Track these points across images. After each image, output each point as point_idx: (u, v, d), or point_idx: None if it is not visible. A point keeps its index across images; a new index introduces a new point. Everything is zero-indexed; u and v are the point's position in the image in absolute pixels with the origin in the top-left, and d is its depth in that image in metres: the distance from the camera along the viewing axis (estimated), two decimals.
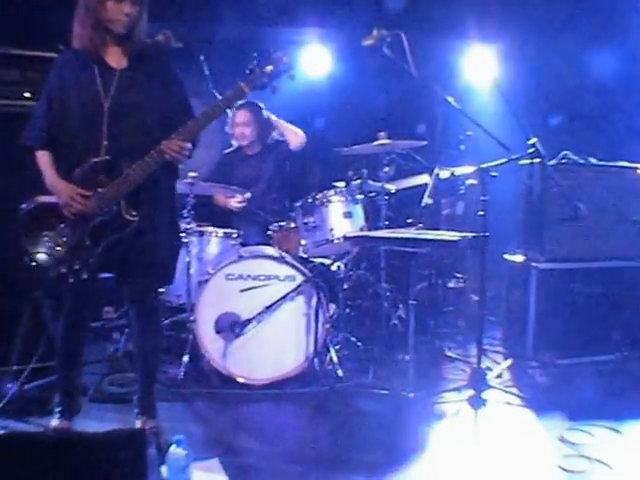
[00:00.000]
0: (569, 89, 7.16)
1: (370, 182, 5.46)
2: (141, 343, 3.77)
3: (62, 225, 3.42)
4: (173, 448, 3.10)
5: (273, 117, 5.48)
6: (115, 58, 3.49)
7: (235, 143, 5.70)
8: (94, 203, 3.37)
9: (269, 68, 3.47)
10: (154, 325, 3.78)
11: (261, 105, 5.63)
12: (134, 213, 3.41)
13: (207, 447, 3.75)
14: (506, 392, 4.64)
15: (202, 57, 5.59)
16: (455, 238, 4.09)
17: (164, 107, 3.50)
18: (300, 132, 5.56)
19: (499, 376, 4.91)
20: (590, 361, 5.22)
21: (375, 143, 5.19)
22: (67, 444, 2.77)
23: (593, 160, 5.37)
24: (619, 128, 6.99)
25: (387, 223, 5.30)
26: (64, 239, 3.40)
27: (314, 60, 7.31)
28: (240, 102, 5.63)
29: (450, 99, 4.56)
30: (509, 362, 5.11)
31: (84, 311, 3.67)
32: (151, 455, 3.29)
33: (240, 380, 4.66)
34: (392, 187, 5.57)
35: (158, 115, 3.47)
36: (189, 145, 3.46)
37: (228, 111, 5.63)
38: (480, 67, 7.43)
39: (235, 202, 5.55)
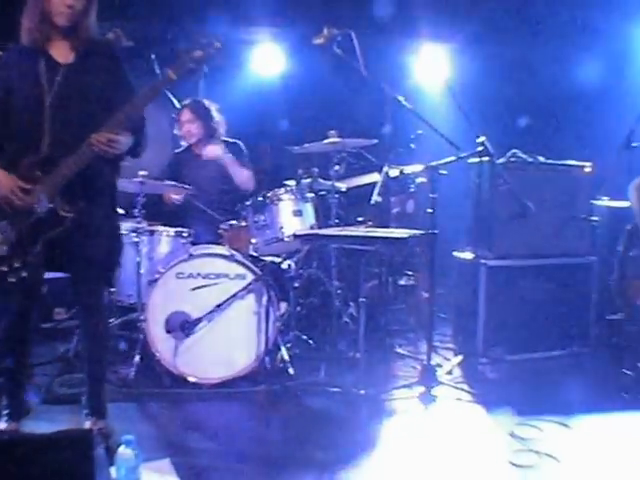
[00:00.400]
0: (520, 89, 7.27)
1: (320, 180, 5.47)
2: (88, 343, 3.72)
3: (4, 222, 3.36)
4: (122, 449, 3.06)
5: (227, 157, 5.42)
6: (61, 53, 3.44)
7: (184, 143, 5.66)
8: (33, 198, 3.33)
9: (198, 54, 3.41)
10: (100, 325, 3.72)
11: (206, 103, 5.59)
12: (67, 209, 3.36)
13: (158, 447, 3.71)
14: (456, 388, 4.68)
15: (153, 56, 5.55)
16: (403, 235, 4.12)
17: (110, 104, 3.45)
18: (250, 178, 5.54)
19: (449, 372, 4.95)
20: (539, 357, 5.31)
21: (325, 141, 5.20)
22: (13, 446, 2.73)
23: (541, 159, 5.44)
24: (568, 127, 7.11)
25: (337, 221, 5.31)
26: (3, 235, 3.35)
27: (266, 59, 7.31)
28: (185, 101, 5.65)
29: (400, 98, 4.59)
30: (459, 358, 5.15)
31: (30, 311, 3.60)
32: (100, 456, 3.25)
33: (191, 379, 4.63)
34: (342, 185, 5.58)
35: (103, 111, 3.42)
36: (122, 138, 3.40)
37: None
38: (432, 66, 7.50)
39: (175, 195, 5.50)
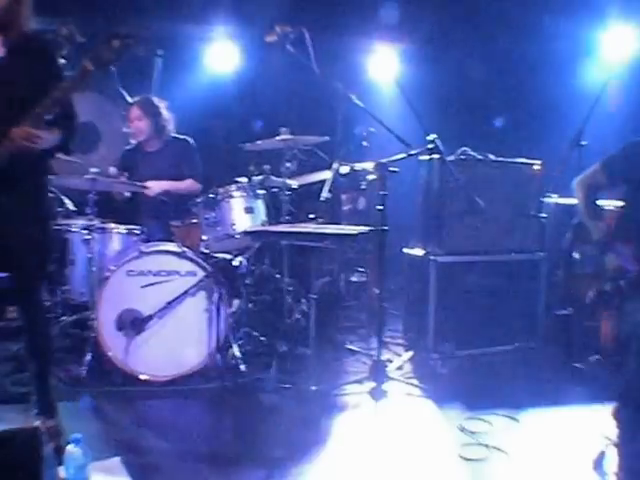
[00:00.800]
0: (470, 89, 7.35)
1: (272, 177, 5.47)
2: (28, 341, 3.67)
3: None
4: (70, 447, 3.04)
5: (166, 185, 5.40)
6: None
7: (134, 141, 5.63)
8: None
9: (116, 44, 3.36)
10: (39, 322, 3.68)
11: (155, 100, 5.57)
12: None
13: (109, 446, 3.69)
14: (407, 383, 4.74)
15: None
16: (353, 232, 4.14)
17: (40, 99, 3.39)
18: (194, 185, 5.53)
19: (400, 368, 5.00)
20: (489, 352, 5.37)
21: (277, 138, 5.21)
22: None
23: (491, 156, 5.51)
24: (519, 126, 7.21)
25: (289, 218, 5.32)
26: None
27: (221, 56, 7.30)
28: (134, 99, 5.62)
29: (352, 96, 4.62)
30: (410, 354, 5.20)
31: None
32: (48, 455, 3.22)
33: (142, 377, 4.62)
34: (294, 182, 5.59)
35: (33, 107, 3.37)
36: (45, 134, 3.35)
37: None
38: (385, 66, 7.56)
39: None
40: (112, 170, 5.45)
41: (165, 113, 5.53)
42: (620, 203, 3.67)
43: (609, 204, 3.93)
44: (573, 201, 4.00)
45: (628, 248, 3.35)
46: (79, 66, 3.36)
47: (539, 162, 5.59)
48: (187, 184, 5.48)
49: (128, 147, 5.68)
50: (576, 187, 3.67)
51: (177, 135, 5.59)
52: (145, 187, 5.19)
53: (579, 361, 4.90)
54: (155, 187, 5.35)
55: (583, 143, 5.52)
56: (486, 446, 3.76)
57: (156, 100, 5.58)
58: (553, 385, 4.83)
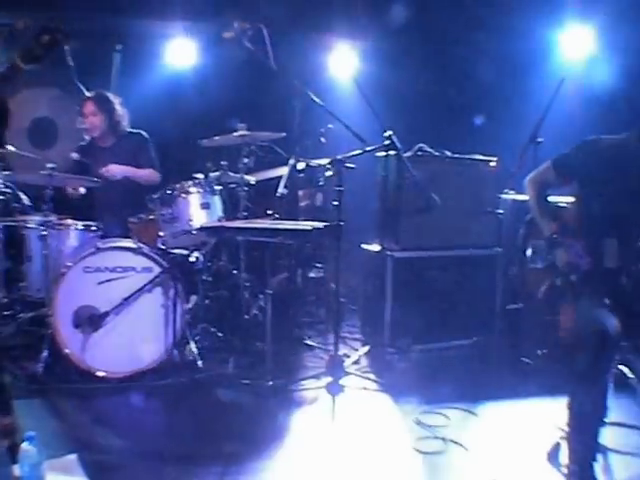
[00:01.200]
0: (429, 86, 7.40)
1: (229, 173, 5.48)
2: None
3: None
4: (25, 445, 3.02)
5: (125, 170, 5.36)
6: None
7: (88, 137, 5.60)
8: None
9: (45, 39, 3.31)
10: None
11: (110, 95, 5.54)
12: None
13: (65, 443, 3.67)
14: (364, 378, 4.77)
15: (66, 47, 5.45)
16: (307, 227, 4.15)
17: None
18: (153, 174, 5.52)
19: (357, 362, 5.04)
20: (445, 346, 5.43)
21: (234, 134, 5.21)
22: None
23: (448, 153, 5.56)
24: (475, 123, 7.26)
25: (246, 214, 5.33)
26: None
27: (179, 52, 7.28)
28: (88, 94, 5.56)
29: (309, 92, 4.62)
30: (366, 349, 5.23)
31: None
32: (2, 453, 3.20)
33: (99, 374, 4.60)
34: (251, 178, 5.60)
35: None
36: None
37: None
38: (344, 63, 7.58)
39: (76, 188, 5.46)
40: (74, 155, 5.43)
41: (119, 109, 5.51)
42: (570, 200, 3.73)
43: (560, 201, 3.98)
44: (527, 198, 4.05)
45: (577, 244, 3.40)
46: (8, 62, 3.33)
47: (495, 159, 5.65)
48: (147, 172, 5.47)
49: (82, 143, 5.64)
50: (528, 185, 3.72)
51: (132, 130, 5.57)
52: (103, 177, 5.16)
53: (528, 355, 4.98)
54: (115, 169, 5.32)
55: (539, 140, 5.58)
56: (442, 439, 3.82)
57: (111, 96, 5.55)
58: (508, 379, 4.90)
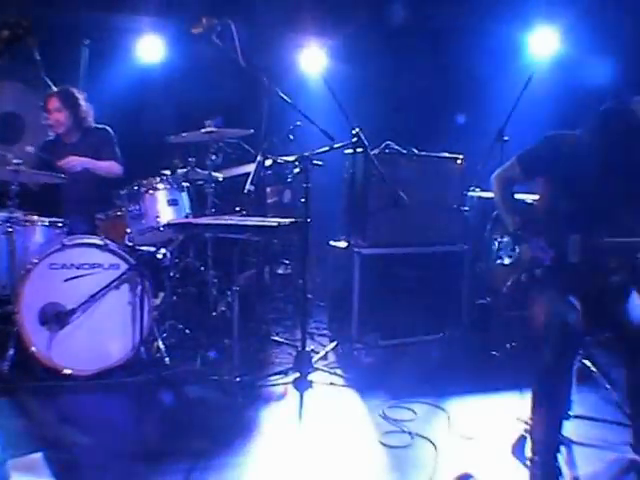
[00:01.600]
0: (396, 84, 7.44)
1: (197, 170, 5.47)
2: None
3: None
4: None
5: (85, 162, 5.31)
6: None
7: (52, 133, 5.55)
8: None
9: (4, 34, 3.29)
10: None
11: (74, 91, 5.50)
12: None
13: (31, 442, 3.64)
14: (331, 373, 4.80)
15: (31, 42, 5.39)
16: (273, 224, 4.16)
17: None
18: (114, 166, 5.46)
19: (324, 358, 5.06)
20: (413, 341, 5.46)
21: (202, 131, 5.20)
22: None
23: (415, 150, 5.59)
24: (444, 122, 7.32)
25: (214, 211, 5.33)
26: None
27: (148, 48, 7.24)
28: (52, 90, 5.52)
29: (278, 90, 4.64)
30: (334, 344, 5.26)
31: None
32: None
33: (66, 372, 4.58)
34: (219, 175, 5.60)
35: None
36: None
37: None
38: (313, 61, 7.60)
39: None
40: (29, 148, 5.39)
41: (84, 104, 5.47)
42: (535, 197, 3.77)
43: (525, 198, 4.03)
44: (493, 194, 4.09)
45: (541, 240, 3.44)
46: None
47: (461, 156, 5.69)
48: (108, 164, 5.39)
49: (47, 139, 5.59)
50: (493, 181, 3.75)
51: (97, 125, 5.54)
52: (64, 169, 5.12)
53: (497, 349, 5.03)
54: (74, 161, 5.26)
55: (505, 138, 5.64)
56: (409, 433, 3.85)
57: (75, 91, 5.50)
58: (475, 373, 4.94)
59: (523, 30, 7.22)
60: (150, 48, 7.26)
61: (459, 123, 7.31)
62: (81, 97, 5.48)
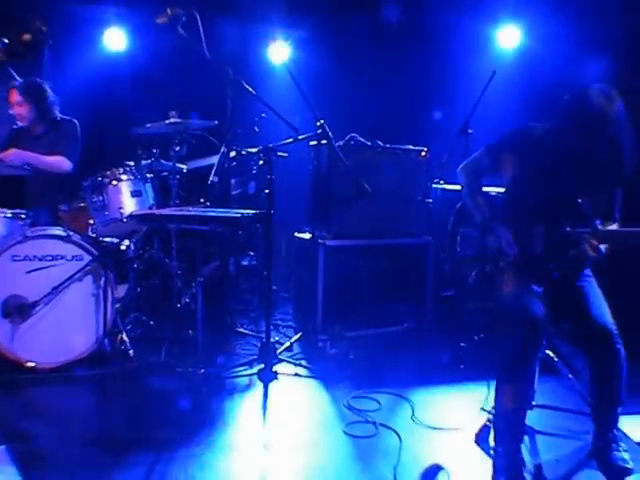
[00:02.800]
0: (362, 76, 7.46)
1: (161, 161, 5.44)
2: None
3: None
4: None
5: (25, 157, 5.21)
6: None
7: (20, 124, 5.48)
8: None
9: (26, 37, 3.27)
10: None
11: (37, 83, 5.40)
12: None
13: None
14: (296, 364, 4.82)
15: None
16: (236, 215, 4.15)
17: None
18: (62, 162, 5.34)
19: (289, 349, 5.07)
20: (377, 333, 5.48)
21: (166, 122, 5.17)
22: None
23: (380, 142, 5.60)
24: (409, 114, 7.35)
25: (178, 202, 5.31)
26: None
27: (112, 38, 7.17)
28: (13, 82, 5.41)
29: (242, 81, 4.63)
30: (298, 336, 5.27)
31: None
32: None
33: (29, 364, 4.55)
34: (183, 166, 5.58)
35: None
36: None
37: None
38: (280, 52, 7.59)
39: None
40: None
41: (50, 95, 5.38)
42: (502, 189, 3.81)
43: (492, 191, 4.07)
44: (458, 187, 4.11)
45: (509, 232, 3.47)
46: None
47: (425, 149, 5.72)
48: (54, 159, 5.26)
49: (16, 126, 5.50)
50: (461, 172, 3.77)
51: (63, 117, 5.47)
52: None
53: (463, 341, 5.07)
54: (11, 155, 5.15)
55: (469, 131, 5.67)
56: (373, 423, 3.89)
57: (39, 83, 5.40)
58: (440, 364, 5.01)
59: (489, 25, 7.29)
60: (114, 38, 7.19)
61: (425, 116, 7.34)
62: (45, 88, 5.38)
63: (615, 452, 3.43)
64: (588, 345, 3.39)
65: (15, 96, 5.33)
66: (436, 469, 3.46)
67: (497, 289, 3.49)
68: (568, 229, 3.31)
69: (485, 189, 3.89)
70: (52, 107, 5.39)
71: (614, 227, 3.45)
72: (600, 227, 3.37)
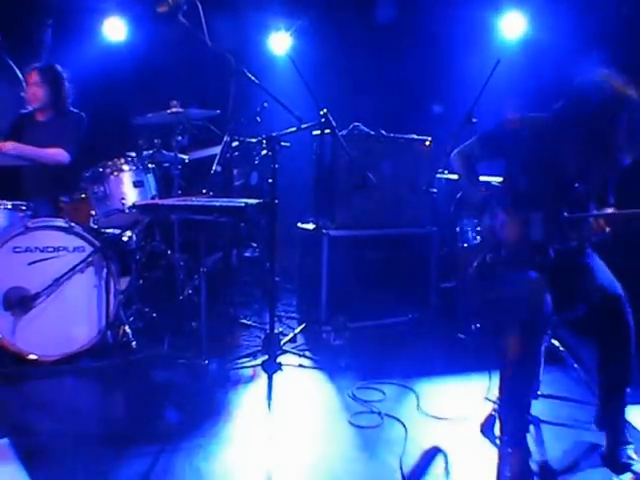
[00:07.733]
0: (365, 65, 7.43)
1: (163, 151, 5.41)
2: None
3: None
4: None
5: (21, 149, 5.16)
6: None
7: (30, 107, 5.42)
8: None
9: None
10: None
11: (59, 69, 5.38)
12: None
13: None
14: (300, 355, 4.79)
15: None
16: (240, 205, 4.13)
17: None
18: (60, 154, 5.26)
19: (293, 340, 5.04)
20: (381, 324, 5.48)
21: (168, 112, 5.14)
22: None
23: (383, 132, 5.58)
24: (412, 103, 7.30)
25: (180, 192, 5.28)
26: None
27: (113, 28, 7.14)
28: (37, 64, 5.39)
29: (245, 70, 4.59)
30: (302, 327, 5.25)
31: None
32: None
33: (31, 357, 4.52)
34: (185, 156, 5.55)
35: None
36: None
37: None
38: (282, 41, 7.56)
39: None
40: None
41: (66, 84, 5.35)
42: (499, 179, 3.78)
43: (490, 180, 4.04)
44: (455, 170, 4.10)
45: (501, 218, 3.45)
46: None
47: (429, 138, 5.70)
48: (52, 151, 5.18)
49: (23, 111, 5.46)
50: (454, 157, 3.73)
51: (73, 109, 5.43)
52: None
53: (463, 331, 5.06)
54: (8, 146, 5.08)
55: (474, 121, 5.64)
56: (378, 414, 3.86)
57: (59, 69, 5.38)
58: (444, 354, 4.96)
59: (493, 14, 7.24)
60: (115, 28, 7.16)
61: (429, 106, 7.30)
62: (64, 76, 5.37)
63: (622, 449, 3.40)
64: (601, 324, 3.36)
65: (34, 76, 5.29)
66: (434, 451, 3.45)
67: (498, 278, 3.46)
68: (566, 214, 3.30)
69: (482, 179, 3.86)
70: (66, 96, 5.36)
71: (609, 211, 3.43)
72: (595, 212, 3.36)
